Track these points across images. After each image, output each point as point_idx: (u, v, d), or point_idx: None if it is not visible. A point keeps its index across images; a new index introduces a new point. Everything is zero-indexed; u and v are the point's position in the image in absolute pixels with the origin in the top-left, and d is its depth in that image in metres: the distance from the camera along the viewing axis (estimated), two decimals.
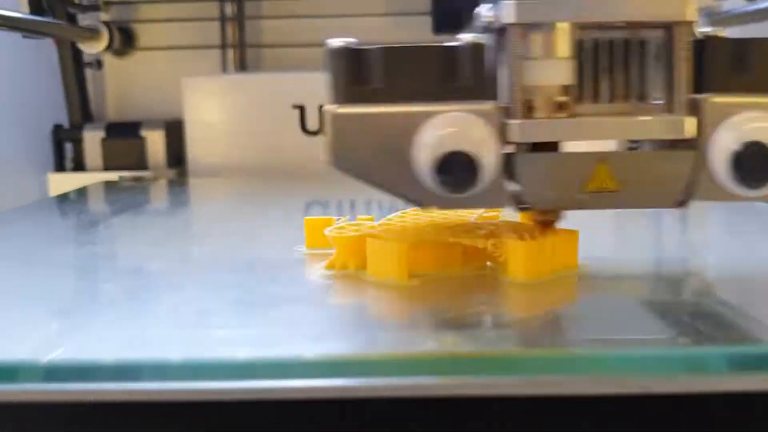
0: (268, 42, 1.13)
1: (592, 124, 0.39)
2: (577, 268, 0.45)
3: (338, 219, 0.49)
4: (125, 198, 0.87)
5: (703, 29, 0.40)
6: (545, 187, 0.40)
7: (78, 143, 1.09)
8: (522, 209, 0.41)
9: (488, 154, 0.38)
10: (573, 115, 0.39)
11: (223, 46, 1.12)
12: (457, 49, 0.39)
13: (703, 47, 0.39)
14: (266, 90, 1.06)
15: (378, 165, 0.39)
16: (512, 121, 0.38)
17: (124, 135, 1.09)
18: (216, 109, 1.06)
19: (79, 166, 1.09)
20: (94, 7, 1.09)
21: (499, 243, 0.43)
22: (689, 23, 0.38)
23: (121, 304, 0.42)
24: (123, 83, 1.14)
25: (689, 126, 0.39)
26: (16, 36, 0.99)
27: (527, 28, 0.38)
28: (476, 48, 0.39)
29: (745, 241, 0.57)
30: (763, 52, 0.39)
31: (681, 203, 0.40)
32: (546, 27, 0.38)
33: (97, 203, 0.86)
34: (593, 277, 0.45)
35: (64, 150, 1.10)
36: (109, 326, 0.38)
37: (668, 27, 0.39)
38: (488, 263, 0.45)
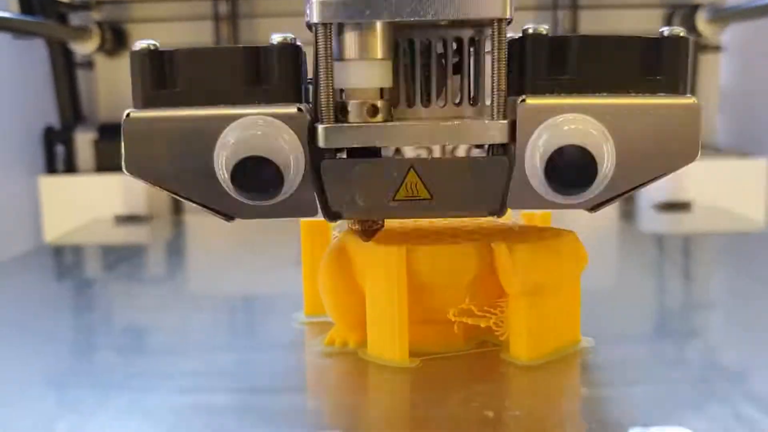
0: (263, 41, 1.11)
1: (403, 130, 0.37)
2: (579, 343, 0.44)
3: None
4: (120, 253, 0.84)
5: (526, 26, 0.37)
6: (354, 195, 0.38)
7: (69, 145, 1.08)
8: (333, 218, 0.39)
9: (292, 160, 0.35)
10: (390, 120, 0.38)
11: (218, 45, 1.10)
12: (264, 50, 0.36)
13: (522, 45, 0.37)
14: None
15: (178, 173, 0.37)
16: (320, 126, 0.36)
17: (116, 136, 1.05)
18: None
19: (71, 168, 1.08)
20: (85, 7, 1.07)
21: (500, 321, 0.42)
22: (506, 20, 0.36)
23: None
24: (115, 83, 1.12)
25: (502, 130, 0.37)
26: (5, 36, 0.97)
27: (337, 27, 0.36)
28: (284, 48, 0.36)
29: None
30: (584, 50, 0.37)
31: (497, 211, 0.39)
32: (359, 26, 0.36)
33: (90, 259, 0.83)
34: (598, 357, 0.44)
35: (56, 152, 1.08)
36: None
37: (484, 25, 0.38)
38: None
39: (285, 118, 0.36)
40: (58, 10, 1.05)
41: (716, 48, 1.16)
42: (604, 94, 0.36)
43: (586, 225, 0.91)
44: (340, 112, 0.37)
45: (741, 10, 1.02)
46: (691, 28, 1.08)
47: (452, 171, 0.38)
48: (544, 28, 0.36)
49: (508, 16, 0.36)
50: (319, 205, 0.38)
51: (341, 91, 0.37)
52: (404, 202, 0.38)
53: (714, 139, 1.17)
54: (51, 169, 1.08)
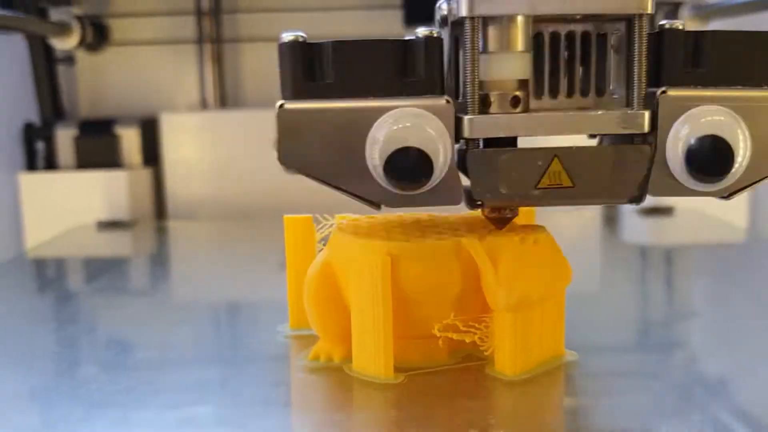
0: (246, 36, 1.11)
1: (546, 120, 0.39)
2: (563, 356, 0.44)
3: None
4: (102, 262, 0.83)
5: (661, 22, 0.39)
6: (498, 183, 0.39)
7: (50, 142, 1.06)
8: (475, 206, 0.40)
9: (441, 150, 0.37)
10: (528, 110, 0.39)
11: (200, 41, 1.10)
12: (410, 43, 0.38)
13: (660, 40, 0.38)
14: (247, 126, 1.05)
15: (329, 162, 0.38)
16: (466, 117, 0.38)
17: (97, 133, 1.06)
18: (195, 146, 1.06)
19: (51, 165, 1.06)
20: (66, 2, 1.05)
21: (485, 336, 0.42)
22: (648, 16, 0.37)
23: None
24: (96, 79, 1.11)
25: (644, 120, 0.38)
26: None
27: (482, 21, 0.38)
28: (430, 42, 0.38)
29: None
30: (719, 45, 0.38)
31: (636, 199, 0.40)
32: (501, 20, 0.38)
33: (72, 269, 0.82)
34: (583, 370, 0.44)
35: (36, 149, 1.07)
36: None
37: (627, 19, 0.38)
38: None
39: (434, 110, 0.38)
40: (37, 5, 1.03)
41: None
42: (738, 87, 0.38)
43: (569, 227, 0.91)
44: (484, 104, 0.38)
45: (722, 7, 1.02)
46: None
47: (595, 159, 0.39)
48: (680, 24, 0.38)
49: (650, 11, 0.37)
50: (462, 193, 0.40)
51: (483, 83, 0.38)
52: (547, 190, 0.39)
53: None
54: (31, 165, 1.07)
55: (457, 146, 0.39)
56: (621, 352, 0.48)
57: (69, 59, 1.11)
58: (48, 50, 1.07)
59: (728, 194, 0.40)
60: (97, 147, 1.06)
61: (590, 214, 1.00)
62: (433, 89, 0.38)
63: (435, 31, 0.38)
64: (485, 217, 0.43)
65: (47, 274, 0.79)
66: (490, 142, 0.39)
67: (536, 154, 0.39)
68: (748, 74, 0.39)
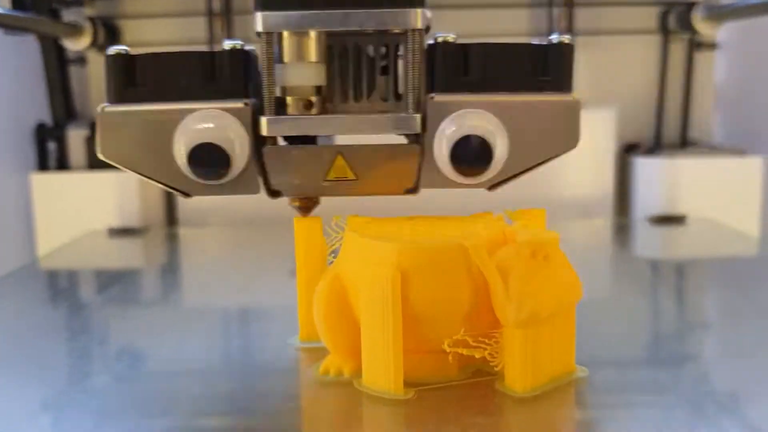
0: (257, 38, 1.10)
1: (330, 121, 0.44)
2: (574, 372, 0.44)
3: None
4: (113, 270, 0.83)
5: (437, 33, 0.44)
6: (292, 176, 0.45)
7: (61, 142, 1.07)
8: (274, 195, 0.46)
9: (237, 146, 0.42)
10: (326, 113, 0.44)
11: (211, 42, 1.09)
12: (217, 54, 0.43)
13: (433, 51, 0.44)
14: None
15: (143, 157, 0.43)
16: (262, 117, 0.43)
17: None
18: None
19: (63, 165, 1.07)
20: (78, 3, 1.06)
21: (495, 352, 0.42)
22: (419, 30, 0.42)
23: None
24: None
25: (416, 122, 0.43)
26: None
27: (278, 35, 0.42)
28: (234, 52, 0.43)
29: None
30: (483, 55, 0.43)
31: (411, 190, 0.46)
32: (297, 34, 0.42)
33: (84, 278, 0.82)
34: (594, 386, 0.44)
35: (48, 149, 1.08)
36: None
37: (403, 34, 0.43)
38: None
39: (233, 111, 0.43)
40: (50, 6, 1.03)
41: (712, 46, 1.16)
42: (500, 92, 0.44)
43: (579, 236, 0.91)
44: (282, 106, 0.44)
45: (736, 8, 1.01)
46: (687, 25, 1.08)
47: (373, 156, 0.45)
48: (452, 36, 0.44)
49: (420, 26, 0.42)
50: (262, 185, 0.45)
51: (284, 88, 0.43)
52: (334, 182, 0.45)
53: (710, 137, 1.17)
54: (43, 166, 1.07)
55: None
56: (632, 366, 0.48)
57: (81, 60, 1.11)
58: (60, 51, 1.07)
59: (491, 186, 0.45)
60: None
61: (601, 222, 1.00)
62: (237, 94, 0.43)
63: (239, 43, 0.43)
64: (289, 205, 0.49)
65: (59, 283, 0.79)
66: (291, 141, 0.45)
67: (323, 150, 0.44)
68: (509, 81, 0.44)
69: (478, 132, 0.42)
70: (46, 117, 1.08)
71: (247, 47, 0.44)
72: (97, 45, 1.06)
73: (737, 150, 1.08)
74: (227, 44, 0.43)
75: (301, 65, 0.43)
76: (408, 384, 0.42)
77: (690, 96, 1.13)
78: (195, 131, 0.42)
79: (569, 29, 1.10)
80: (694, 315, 0.62)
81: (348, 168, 0.44)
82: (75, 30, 1.03)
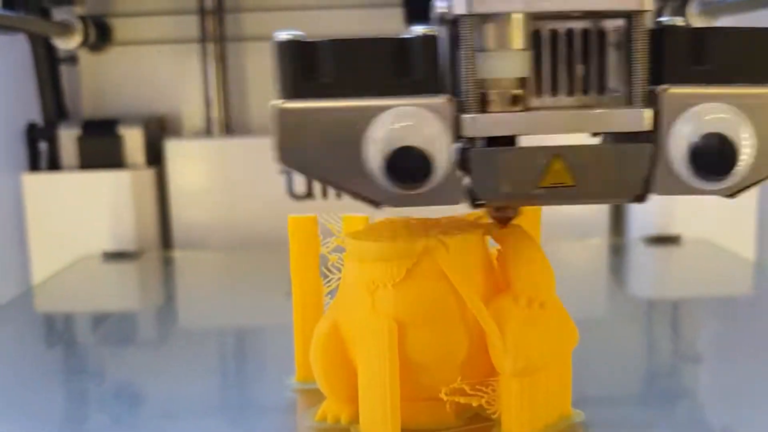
0: (249, 35, 1.10)
1: (546, 118, 0.39)
2: (570, 417, 0.44)
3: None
4: (108, 306, 0.82)
5: (662, 18, 0.38)
6: (499, 182, 0.38)
7: (53, 142, 1.06)
8: (477, 205, 0.40)
9: (441, 149, 0.37)
10: (528, 109, 0.39)
11: (203, 40, 1.09)
12: (408, 41, 0.37)
13: (661, 37, 0.38)
14: (252, 153, 1.05)
15: (328, 161, 0.38)
16: (465, 115, 0.37)
17: (100, 133, 1.06)
18: (201, 172, 1.06)
19: (55, 165, 1.06)
20: (69, 1, 1.05)
21: (492, 400, 0.42)
22: (646, 12, 0.37)
23: None
24: (99, 79, 1.10)
25: (646, 118, 0.38)
26: None
27: (480, 19, 0.37)
28: (428, 40, 0.37)
29: None
30: (721, 42, 0.38)
31: (639, 198, 0.39)
32: (500, 17, 0.37)
33: (78, 314, 0.80)
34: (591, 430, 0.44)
35: (39, 149, 1.07)
36: None
37: (626, 16, 0.38)
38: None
39: (433, 108, 0.37)
40: (40, 5, 1.02)
41: None
42: (742, 84, 0.38)
43: (575, 258, 0.91)
44: (483, 102, 0.38)
45: (731, 3, 1.01)
46: None
47: (597, 158, 0.38)
48: (680, 20, 0.38)
49: (647, 8, 0.37)
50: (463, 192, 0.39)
51: (482, 81, 0.38)
52: (549, 189, 0.38)
53: None
54: (34, 166, 1.07)
55: (456, 145, 0.39)
56: (627, 404, 0.49)
57: (72, 59, 1.10)
58: (51, 50, 1.06)
59: (732, 193, 0.39)
60: (101, 147, 1.05)
61: (597, 242, 1.00)
62: (431, 88, 0.38)
63: (432, 29, 0.38)
64: (488, 216, 0.43)
65: (54, 318, 0.79)
66: (490, 141, 0.39)
67: (537, 152, 0.38)
68: (752, 71, 0.38)
69: (721, 130, 0.36)
70: (37, 117, 1.07)
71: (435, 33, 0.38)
72: (88, 44, 1.05)
73: None
74: (419, 29, 0.38)
75: (506, 54, 0.37)
76: (405, 431, 0.42)
77: None
78: (393, 132, 0.36)
79: None
80: (688, 351, 0.62)
81: (567, 173, 0.38)
82: (66, 29, 1.02)
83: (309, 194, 1.02)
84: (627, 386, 0.52)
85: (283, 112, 0.37)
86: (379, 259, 0.42)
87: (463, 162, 0.38)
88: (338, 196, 0.97)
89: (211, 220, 1.05)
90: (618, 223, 1.06)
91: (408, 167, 0.36)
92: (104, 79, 1.10)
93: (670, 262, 0.94)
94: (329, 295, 0.48)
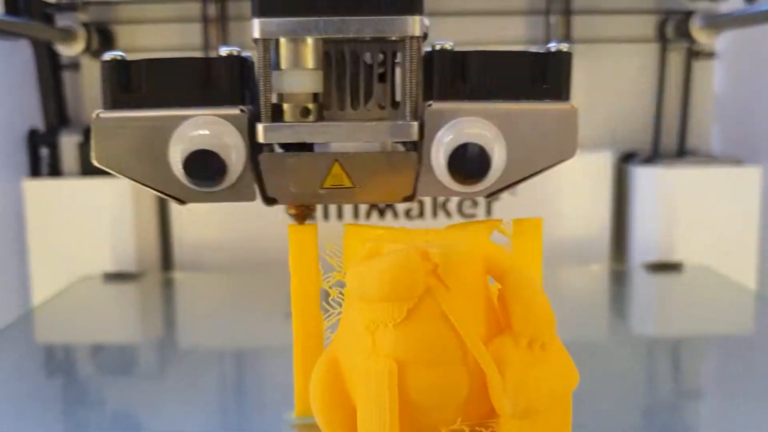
0: (252, 44, 1.09)
1: (328, 128, 0.44)
2: None
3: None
4: (108, 336, 0.81)
5: (436, 41, 0.43)
6: (288, 183, 0.44)
7: (54, 148, 1.06)
8: (270, 203, 0.45)
9: (234, 153, 0.42)
10: (322, 119, 0.44)
11: (206, 48, 1.08)
12: (213, 60, 0.43)
13: (431, 58, 0.43)
14: None
15: (138, 163, 0.43)
16: (259, 124, 0.43)
17: None
18: None
19: (56, 171, 1.06)
20: (72, 8, 1.05)
21: None
22: (417, 38, 0.42)
23: None
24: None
25: (413, 130, 0.43)
26: None
27: (275, 42, 0.42)
28: (230, 59, 0.43)
29: None
30: (481, 63, 0.43)
31: (408, 198, 0.45)
32: (294, 40, 0.42)
33: (79, 344, 0.80)
34: None
35: (40, 155, 1.07)
36: None
37: (401, 41, 0.43)
38: None
39: (229, 118, 0.43)
40: (43, 11, 1.02)
41: (710, 55, 1.15)
42: (498, 100, 0.43)
43: (575, 284, 0.90)
44: (278, 114, 0.43)
45: (734, 17, 1.01)
46: (685, 34, 1.08)
47: (370, 164, 0.44)
48: (449, 44, 0.43)
49: (418, 34, 0.42)
50: (258, 192, 0.45)
51: (281, 95, 0.43)
52: (331, 189, 0.45)
53: (708, 146, 1.16)
54: (35, 172, 1.07)
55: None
56: None
57: (74, 65, 1.10)
58: (53, 56, 1.06)
59: (488, 194, 0.45)
60: None
61: (597, 268, 0.99)
62: (233, 101, 0.43)
63: (236, 50, 0.43)
64: (287, 212, 0.49)
65: (53, 346, 0.78)
66: (288, 148, 0.45)
67: (320, 157, 0.44)
68: (507, 89, 0.44)
69: (476, 140, 0.42)
70: (38, 123, 1.07)
71: (244, 54, 0.44)
72: (91, 51, 1.05)
73: (735, 160, 1.07)
74: (223, 51, 0.43)
75: (298, 72, 0.43)
76: None
77: (688, 105, 1.13)
78: (191, 138, 0.42)
79: (567, 37, 1.10)
80: (689, 394, 0.62)
81: (345, 175, 0.44)
82: (68, 35, 1.02)
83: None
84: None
85: (100, 121, 0.43)
86: (379, 300, 0.42)
87: (255, 165, 0.44)
88: (339, 218, 0.97)
89: (212, 239, 1.05)
90: (619, 248, 1.06)
91: (203, 168, 0.41)
92: None
93: (671, 293, 0.93)
94: (330, 330, 0.47)
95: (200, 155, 0.41)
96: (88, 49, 1.04)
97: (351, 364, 0.43)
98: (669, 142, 1.14)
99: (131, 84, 0.43)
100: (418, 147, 0.44)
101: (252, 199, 0.45)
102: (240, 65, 0.43)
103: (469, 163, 0.42)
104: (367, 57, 0.46)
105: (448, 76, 0.43)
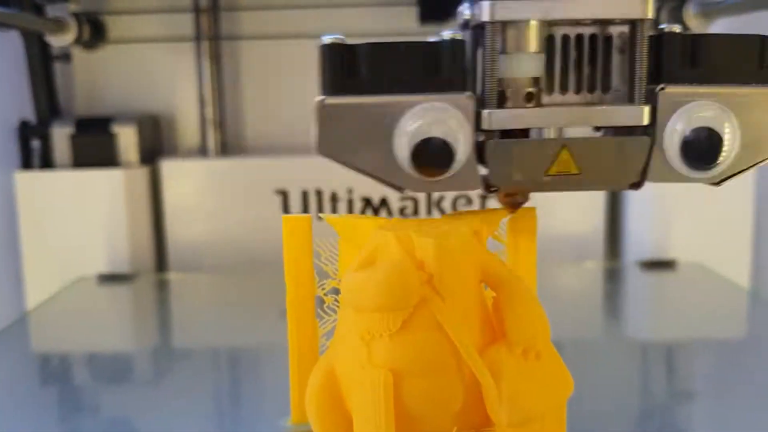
0: (245, 34, 1.09)
1: (555, 113, 0.43)
2: None
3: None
4: (103, 344, 0.80)
5: (662, 26, 0.43)
6: (512, 170, 0.43)
7: (46, 140, 1.05)
8: (491, 191, 0.44)
9: (462, 140, 0.41)
10: (540, 105, 0.43)
11: (198, 38, 1.08)
12: (437, 45, 0.42)
13: (659, 42, 0.42)
14: (248, 175, 1.05)
15: (362, 151, 0.42)
16: (485, 111, 0.42)
17: (94, 131, 1.05)
18: (196, 192, 1.06)
19: (47, 163, 1.06)
20: None
21: None
22: (649, 20, 0.42)
23: None
24: (92, 77, 1.10)
25: (645, 114, 0.42)
26: None
27: (501, 25, 0.41)
28: (455, 44, 0.42)
29: None
30: (712, 46, 0.43)
31: (636, 185, 0.44)
32: (518, 24, 0.41)
33: (72, 346, 0.79)
34: None
35: (32, 147, 1.06)
36: None
37: (630, 24, 0.42)
38: None
39: (456, 104, 0.41)
40: (33, 2, 1.01)
41: None
42: (729, 84, 0.42)
43: (568, 288, 0.90)
44: (501, 99, 0.43)
45: (728, 4, 1.01)
46: (679, 21, 1.07)
47: (600, 149, 0.43)
48: (677, 27, 0.42)
49: (650, 16, 0.41)
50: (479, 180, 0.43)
51: (501, 80, 0.42)
52: (556, 177, 0.43)
53: None
54: (27, 164, 1.06)
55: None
56: None
57: (65, 56, 1.09)
58: (44, 47, 1.06)
59: (719, 180, 0.44)
60: (94, 145, 1.05)
61: (591, 266, 0.99)
62: (457, 86, 0.42)
63: (458, 33, 0.41)
64: (500, 201, 0.48)
65: (48, 352, 0.78)
66: (505, 134, 0.43)
67: (547, 144, 0.43)
68: (738, 72, 0.43)
69: (710, 124, 0.41)
70: (29, 114, 1.06)
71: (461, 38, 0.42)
72: (82, 41, 1.05)
73: None
74: (446, 34, 0.42)
75: (523, 56, 0.42)
76: None
77: None
78: (420, 125, 0.41)
79: None
80: (682, 395, 0.62)
81: (572, 162, 0.43)
82: (59, 26, 1.01)
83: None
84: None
85: (324, 107, 0.41)
86: (374, 310, 0.42)
87: (480, 152, 0.42)
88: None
89: (206, 239, 1.05)
90: (614, 245, 1.06)
91: (431, 156, 0.40)
92: (98, 77, 1.10)
93: (664, 292, 0.94)
94: (325, 337, 0.47)
95: (430, 143, 0.40)
96: (78, 40, 1.03)
97: (346, 373, 0.43)
98: None
99: (354, 68, 0.42)
100: (649, 132, 0.43)
101: (476, 187, 0.43)
102: (463, 49, 0.42)
103: (703, 148, 0.41)
104: (586, 40, 0.45)
105: (678, 59, 0.43)
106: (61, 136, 1.05)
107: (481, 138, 0.43)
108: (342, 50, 0.41)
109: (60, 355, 0.75)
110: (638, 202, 1.04)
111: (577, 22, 0.44)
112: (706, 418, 0.56)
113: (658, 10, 1.10)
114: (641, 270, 0.97)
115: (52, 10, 1.04)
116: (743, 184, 1.02)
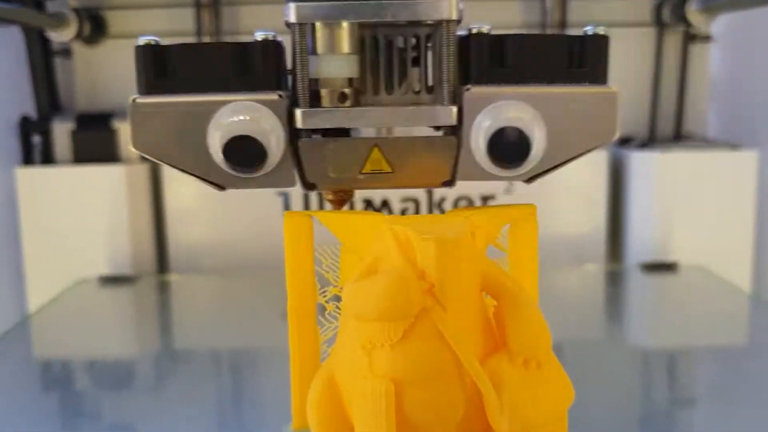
0: (246, 29, 1.09)
1: (366, 113, 0.44)
2: None
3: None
4: (105, 349, 0.80)
5: (472, 26, 0.43)
6: (327, 168, 0.44)
7: (46, 135, 1.05)
8: (309, 189, 0.45)
9: (273, 139, 0.42)
10: (359, 105, 0.44)
11: (199, 33, 1.08)
12: (249, 45, 0.43)
13: (468, 42, 0.43)
14: None
15: (176, 149, 0.43)
16: (297, 110, 0.43)
17: (95, 126, 1.05)
18: (197, 193, 1.06)
19: (48, 159, 1.05)
20: None
21: None
22: (454, 21, 0.42)
23: None
24: (93, 72, 1.10)
25: (451, 114, 0.43)
26: None
27: (311, 26, 0.42)
28: (266, 44, 0.42)
29: None
30: (520, 47, 0.43)
31: (448, 183, 0.45)
32: (330, 25, 0.42)
33: (74, 350, 0.79)
34: None
35: (32, 143, 1.06)
36: None
37: (437, 25, 0.43)
38: None
39: (267, 103, 0.42)
40: None
41: (706, 38, 1.14)
42: (536, 83, 0.43)
43: (571, 285, 0.90)
44: (315, 99, 0.43)
45: (730, 0, 1.00)
46: (681, 17, 1.07)
47: (410, 148, 0.44)
48: (486, 28, 0.43)
49: (455, 17, 0.42)
50: (297, 178, 0.45)
51: (316, 80, 0.43)
52: (370, 174, 0.44)
53: (704, 130, 1.16)
54: (28, 160, 1.06)
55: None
56: None
57: (66, 52, 1.09)
58: (45, 43, 1.05)
59: (528, 178, 0.44)
60: (95, 141, 1.05)
61: (593, 268, 0.99)
62: (270, 86, 0.43)
63: (272, 34, 0.42)
64: (326, 199, 0.49)
65: (51, 357, 0.77)
66: (325, 133, 0.44)
67: (359, 143, 0.44)
68: (546, 72, 0.43)
69: (516, 124, 0.41)
70: (30, 110, 1.06)
71: (278, 38, 0.43)
72: (82, 36, 1.04)
73: (732, 144, 1.07)
74: (259, 35, 0.42)
75: (335, 57, 0.43)
76: None
77: (684, 89, 1.13)
78: (230, 123, 0.41)
79: (562, 21, 1.09)
80: (683, 400, 0.62)
81: (384, 160, 0.44)
82: (60, 21, 1.01)
83: None
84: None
85: (137, 106, 0.42)
86: (376, 320, 0.41)
87: (294, 150, 0.43)
88: None
89: (208, 241, 1.05)
90: (615, 248, 1.06)
91: (243, 154, 0.41)
92: (98, 72, 1.09)
93: (666, 295, 0.93)
94: (326, 344, 0.47)
95: (240, 141, 0.41)
96: (79, 35, 1.03)
97: (347, 381, 0.43)
98: (665, 127, 1.14)
99: (166, 69, 0.42)
100: (456, 131, 0.44)
101: (292, 184, 0.44)
102: (276, 50, 0.43)
103: (509, 146, 0.41)
104: (399, 41, 0.46)
105: (485, 59, 0.43)
106: (61, 131, 1.05)
107: (304, 137, 0.44)
108: (155, 51, 0.42)
109: (62, 359, 0.75)
110: (640, 205, 1.04)
111: (389, 24, 0.44)
112: (708, 424, 0.55)
113: (659, 7, 1.10)
114: (642, 273, 0.96)
115: (52, 6, 1.04)
116: (744, 187, 1.02)
